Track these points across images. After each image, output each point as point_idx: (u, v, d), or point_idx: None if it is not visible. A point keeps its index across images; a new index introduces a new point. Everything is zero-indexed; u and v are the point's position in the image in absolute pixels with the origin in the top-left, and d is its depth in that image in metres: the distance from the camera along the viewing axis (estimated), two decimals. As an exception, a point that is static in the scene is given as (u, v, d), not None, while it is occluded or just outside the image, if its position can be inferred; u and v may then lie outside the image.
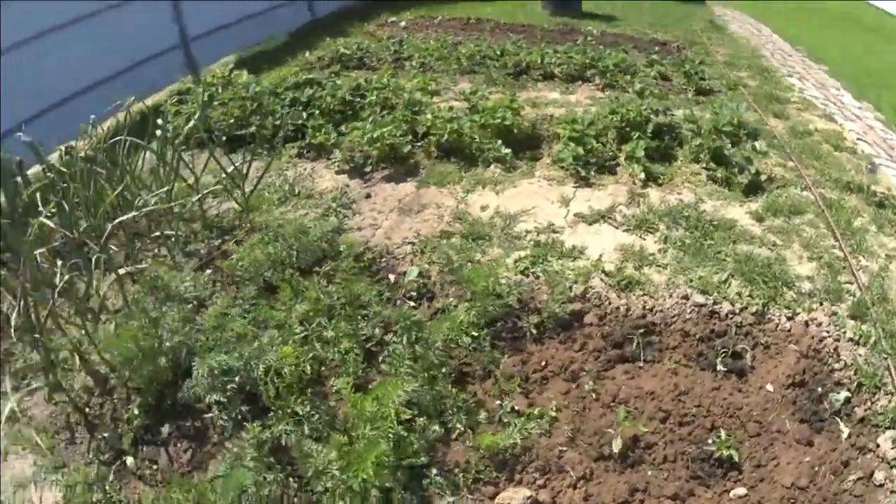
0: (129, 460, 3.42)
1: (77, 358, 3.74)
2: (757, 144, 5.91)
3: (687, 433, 3.39)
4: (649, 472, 3.20)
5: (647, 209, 5.01)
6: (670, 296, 4.11)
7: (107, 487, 3.36)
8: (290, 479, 3.17)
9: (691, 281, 4.24)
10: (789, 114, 7.33)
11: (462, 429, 3.38)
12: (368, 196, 5.39)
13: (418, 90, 6.66)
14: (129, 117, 4.76)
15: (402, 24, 10.13)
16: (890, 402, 3.49)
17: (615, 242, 4.62)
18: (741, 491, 3.21)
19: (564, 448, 3.28)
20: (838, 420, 3.47)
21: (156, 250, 4.76)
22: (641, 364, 3.78)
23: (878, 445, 3.31)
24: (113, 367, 3.65)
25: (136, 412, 3.53)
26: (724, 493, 3.22)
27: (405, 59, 8.40)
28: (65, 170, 4.14)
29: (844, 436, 3.39)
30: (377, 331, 3.88)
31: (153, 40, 8.40)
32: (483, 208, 5.08)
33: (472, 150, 5.78)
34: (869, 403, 3.53)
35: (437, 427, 3.36)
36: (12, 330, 3.48)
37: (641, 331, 3.92)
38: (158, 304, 3.92)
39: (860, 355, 3.78)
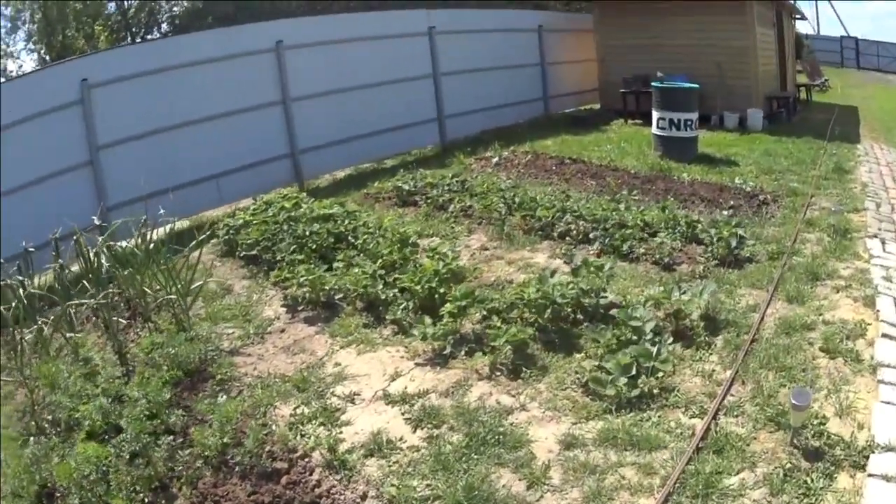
0: None
1: None
2: (664, 350, 5.15)
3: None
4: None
5: (454, 404, 4.91)
6: (353, 491, 4.27)
7: None
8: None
9: (404, 487, 4.18)
10: (815, 295, 6.41)
11: None
12: (283, 331, 6.45)
13: (398, 240, 7.43)
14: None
15: (496, 159, 10.70)
16: None
17: (382, 426, 4.76)
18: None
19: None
20: None
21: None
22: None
23: None
24: None
25: None
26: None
27: (449, 201, 9.06)
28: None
29: None
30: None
31: (268, 146, 10.60)
32: (336, 364, 5.66)
33: (383, 309, 6.36)
34: None
35: None
36: None
37: (307, 505, 4.19)
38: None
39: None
